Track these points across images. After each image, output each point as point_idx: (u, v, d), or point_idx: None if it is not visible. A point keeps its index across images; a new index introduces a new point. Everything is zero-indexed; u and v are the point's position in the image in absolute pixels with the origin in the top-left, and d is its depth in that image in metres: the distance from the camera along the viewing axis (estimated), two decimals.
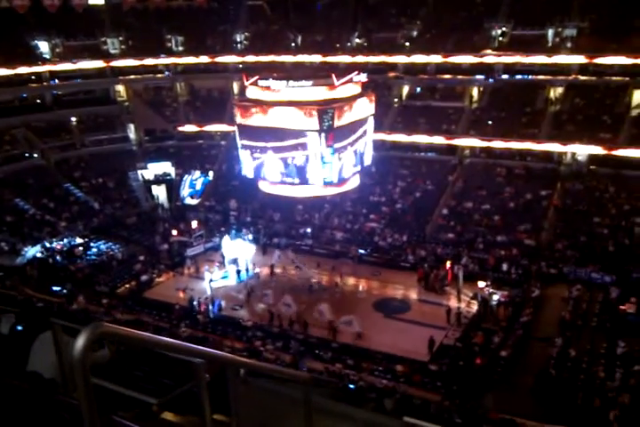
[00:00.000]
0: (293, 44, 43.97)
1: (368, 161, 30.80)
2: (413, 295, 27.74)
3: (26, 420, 2.56)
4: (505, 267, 28.35)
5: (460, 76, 39.78)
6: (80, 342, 1.75)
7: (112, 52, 43.54)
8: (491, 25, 38.34)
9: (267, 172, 29.02)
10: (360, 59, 40.81)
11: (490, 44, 38.22)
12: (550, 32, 36.81)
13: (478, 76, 38.82)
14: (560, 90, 37.36)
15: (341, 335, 23.96)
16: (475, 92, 40.22)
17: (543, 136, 35.50)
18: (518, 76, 38.06)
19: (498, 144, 36.32)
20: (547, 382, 19.37)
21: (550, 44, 36.93)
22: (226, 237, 32.01)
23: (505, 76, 38.07)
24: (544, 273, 27.85)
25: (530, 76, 37.80)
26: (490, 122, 38.30)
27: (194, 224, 34.26)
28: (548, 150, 35.29)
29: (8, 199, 35.31)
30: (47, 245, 31.78)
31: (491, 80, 38.50)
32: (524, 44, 37.37)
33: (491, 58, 37.79)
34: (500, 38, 38.36)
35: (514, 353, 21.76)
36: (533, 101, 39.31)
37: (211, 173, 40.33)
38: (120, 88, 44.44)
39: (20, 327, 4.41)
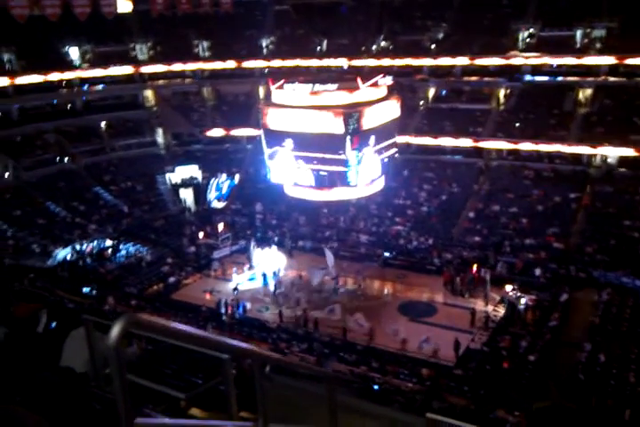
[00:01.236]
0: (319, 48, 44.16)
1: (389, 166, 30.57)
2: (439, 299, 27.52)
3: (62, 411, 2.63)
4: (533, 271, 27.96)
5: (486, 78, 39.47)
6: (115, 330, 1.78)
7: (140, 57, 44.33)
8: (518, 26, 37.99)
9: (291, 175, 29.15)
10: (385, 62, 40.77)
11: (517, 46, 37.85)
12: (579, 33, 36.32)
13: (505, 79, 38.46)
14: (589, 91, 36.78)
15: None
16: (502, 94, 39.81)
17: (572, 138, 34.96)
18: (546, 78, 37.63)
19: (526, 146, 35.90)
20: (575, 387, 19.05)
21: (579, 45, 36.41)
22: (256, 248, 31.87)
23: (533, 78, 37.64)
24: (573, 277, 27.40)
25: (558, 78, 37.33)
26: (517, 124, 37.87)
27: (220, 227, 34.57)
28: (577, 153, 34.75)
29: (40, 202, 36.15)
30: (77, 247, 32.40)
31: (518, 82, 38.10)
32: (552, 45, 36.92)
33: (518, 59, 37.41)
34: (528, 40, 37.95)
35: (541, 358, 21.44)
36: (562, 103, 38.73)
37: (237, 177, 40.66)
38: (148, 93, 45.17)
39: (53, 325, 4.54)
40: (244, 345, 3.30)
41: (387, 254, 31.63)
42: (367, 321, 24.96)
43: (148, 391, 3.95)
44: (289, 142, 28.77)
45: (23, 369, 3.22)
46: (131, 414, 1.92)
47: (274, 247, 32.63)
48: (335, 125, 26.85)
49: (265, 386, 3.60)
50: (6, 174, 37.32)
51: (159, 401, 3.90)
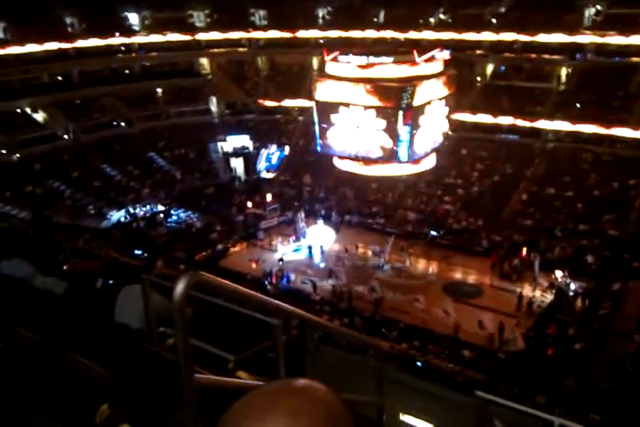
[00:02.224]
0: (375, 20, 43.28)
1: (439, 141, 29.92)
2: (486, 281, 27.21)
3: (121, 365, 2.69)
4: (585, 257, 27.28)
5: (548, 56, 37.97)
6: (180, 286, 1.81)
7: (197, 25, 44.41)
8: (584, 2, 36.15)
9: (342, 147, 29.03)
10: (444, 35, 39.62)
11: (582, 23, 36.16)
12: None
13: (567, 57, 36.93)
14: None
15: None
16: (563, 72, 38.29)
17: (635, 122, 33.45)
18: (611, 58, 35.93)
19: (586, 128, 34.60)
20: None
21: None
22: (303, 220, 31.91)
23: (597, 57, 36.03)
24: (627, 266, 26.61)
25: (624, 58, 35.59)
26: (578, 105, 36.47)
27: (268, 198, 34.91)
28: None
29: (96, 165, 37.22)
30: (131, 210, 33.35)
31: (579, 59, 36.49)
32: (620, 23, 35.09)
33: (583, 37, 35.78)
34: (594, 17, 36.17)
35: (588, 347, 21.08)
36: (627, 85, 37.00)
37: (287, 148, 40.77)
38: (204, 61, 45.39)
39: (110, 282, 4.67)
40: (300, 311, 3.33)
41: (433, 233, 31.37)
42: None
43: (196, 352, 4.06)
44: (341, 114, 28.61)
45: (82, 323, 3.34)
46: (191, 369, 1.97)
47: (320, 220, 32.80)
48: (388, 99, 26.50)
49: (315, 353, 3.63)
50: (65, 136, 38.47)
51: (207, 362, 4.00)
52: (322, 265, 29.14)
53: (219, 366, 3.98)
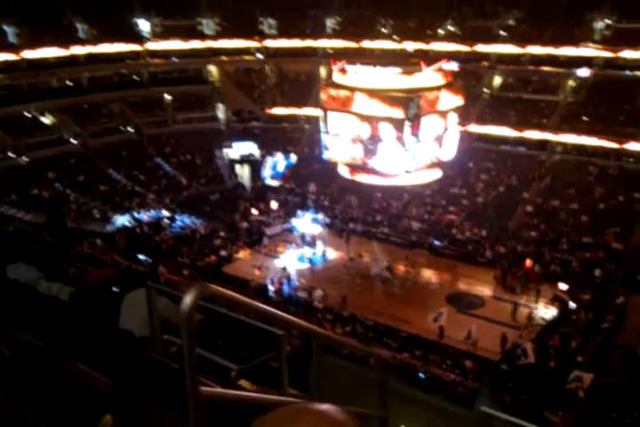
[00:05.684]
0: (384, 30, 43.47)
1: (451, 153, 29.98)
2: (488, 292, 27.17)
3: (124, 373, 2.67)
4: (589, 270, 27.18)
5: (555, 69, 38.03)
6: (188, 299, 1.83)
7: (207, 32, 44.69)
8: (593, 16, 36.25)
9: (347, 156, 29.02)
10: (452, 47, 39.80)
11: (591, 37, 36.24)
12: None
13: (575, 70, 37.01)
14: None
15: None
16: (570, 85, 38.33)
17: None
18: (619, 72, 35.96)
19: (592, 142, 34.59)
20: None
21: None
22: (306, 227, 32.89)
23: (605, 71, 36.08)
24: (631, 279, 26.48)
25: (633, 72, 35.61)
26: (585, 118, 36.48)
27: (273, 205, 34.98)
28: None
29: (102, 169, 37.40)
30: (136, 215, 33.44)
31: (587, 73, 36.54)
32: (628, 37, 35.16)
33: (591, 51, 35.86)
34: (603, 31, 36.24)
35: (591, 360, 20.95)
36: (634, 99, 36.99)
37: (293, 156, 40.83)
38: (212, 68, 45.64)
39: (115, 289, 4.67)
40: (306, 324, 3.33)
41: (437, 243, 31.33)
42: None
43: (200, 360, 4.04)
44: (348, 124, 28.63)
45: (86, 330, 3.35)
46: (197, 381, 1.99)
47: (323, 228, 32.97)
48: (395, 110, 26.50)
49: (319, 364, 3.62)
50: (72, 140, 38.69)
51: (210, 370, 3.99)
52: (324, 273, 29.10)
53: (221, 373, 3.98)
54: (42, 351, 2.65)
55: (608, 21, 35.92)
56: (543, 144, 36.66)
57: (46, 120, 38.81)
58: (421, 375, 17.59)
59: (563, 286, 25.39)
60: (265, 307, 2.76)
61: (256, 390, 4.08)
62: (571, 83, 38.17)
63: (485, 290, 27.39)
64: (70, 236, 26.31)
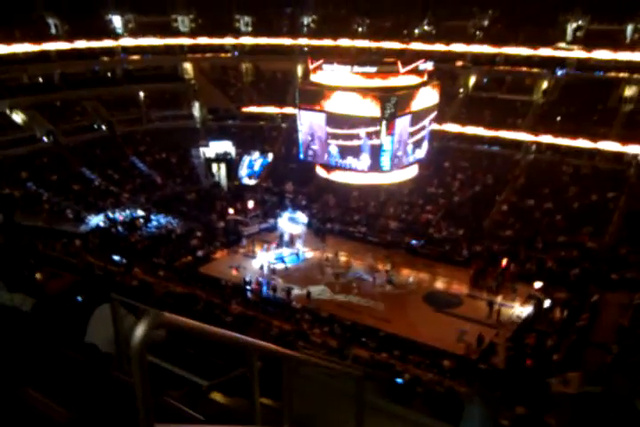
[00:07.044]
0: (360, 29, 43.49)
1: (423, 153, 30.05)
2: (465, 291, 27.33)
3: (83, 397, 2.56)
4: (564, 268, 27.50)
5: (529, 69, 38.53)
6: (140, 330, 1.77)
7: (182, 29, 44.21)
8: (566, 18, 36.78)
9: (324, 156, 28.94)
10: (428, 46, 39.98)
11: (564, 38, 36.75)
12: (629, 28, 35.12)
13: (549, 71, 37.53)
14: (635, 88, 35.64)
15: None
16: (544, 86, 38.83)
17: (614, 136, 33.96)
18: (592, 73, 36.58)
19: (565, 141, 35.05)
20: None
21: (629, 41, 35.21)
22: (284, 227, 33.15)
23: (578, 72, 36.64)
24: (605, 278, 26.87)
25: (604, 73, 36.22)
26: (558, 118, 36.95)
27: (250, 204, 34.72)
28: (619, 151, 33.80)
29: (76, 168, 36.68)
30: (110, 215, 32.88)
31: (560, 73, 37.10)
32: (600, 39, 35.77)
33: (564, 52, 36.37)
34: (576, 32, 36.78)
35: (567, 357, 21.18)
36: (606, 99, 37.60)
37: (270, 155, 40.61)
38: (187, 66, 45.15)
39: (79, 299, 4.46)
40: (270, 346, 3.20)
41: (414, 242, 31.43)
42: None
43: (170, 374, 3.90)
44: (324, 122, 28.55)
45: (47, 345, 3.17)
46: (152, 420, 1.87)
47: (301, 227, 32.85)
48: (372, 109, 26.47)
49: (292, 382, 3.49)
50: (44, 139, 37.88)
51: (181, 384, 3.85)
52: (301, 272, 28.99)
53: (192, 387, 3.82)
54: None
55: (581, 23, 36.46)
56: (518, 144, 37.03)
57: (17, 118, 37.92)
58: (399, 380, 17.47)
59: (538, 285, 25.64)
60: (227, 333, 2.62)
61: (229, 402, 3.94)
62: (545, 83, 38.64)
63: (462, 289, 27.54)
64: (33, 238, 25.68)
